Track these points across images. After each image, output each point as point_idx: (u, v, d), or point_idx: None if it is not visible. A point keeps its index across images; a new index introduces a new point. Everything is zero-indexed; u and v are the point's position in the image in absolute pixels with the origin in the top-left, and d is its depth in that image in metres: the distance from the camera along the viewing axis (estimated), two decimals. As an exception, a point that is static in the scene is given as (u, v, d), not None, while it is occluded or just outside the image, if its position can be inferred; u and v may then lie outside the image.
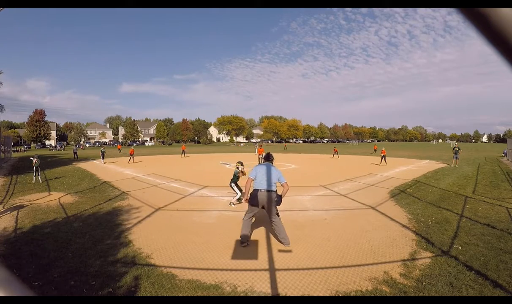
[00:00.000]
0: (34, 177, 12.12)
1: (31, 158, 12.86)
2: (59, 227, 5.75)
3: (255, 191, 4.84)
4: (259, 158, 19.30)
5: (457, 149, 18.58)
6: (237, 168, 7.83)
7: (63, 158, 27.00)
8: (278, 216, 4.94)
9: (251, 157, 25.36)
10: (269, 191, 4.79)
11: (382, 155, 19.40)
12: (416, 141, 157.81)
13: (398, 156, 29.50)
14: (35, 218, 6.38)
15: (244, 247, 4.78)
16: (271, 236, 5.34)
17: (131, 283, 3.53)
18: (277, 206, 4.90)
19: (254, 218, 4.98)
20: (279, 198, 4.88)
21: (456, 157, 18.37)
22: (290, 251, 4.64)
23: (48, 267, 3.92)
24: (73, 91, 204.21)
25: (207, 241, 5.07)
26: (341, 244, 4.91)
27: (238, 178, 7.84)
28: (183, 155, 28.87)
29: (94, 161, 22.91)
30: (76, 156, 26.28)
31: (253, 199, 4.85)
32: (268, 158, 5.28)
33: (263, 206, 4.88)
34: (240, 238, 4.88)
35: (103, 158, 21.83)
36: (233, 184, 7.85)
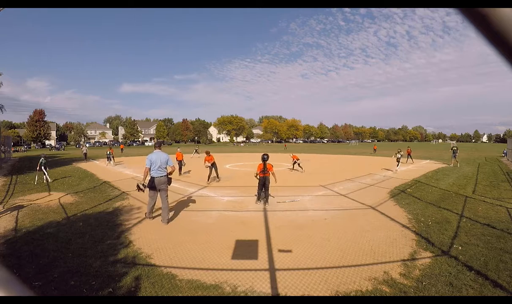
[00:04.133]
0: (43, 176, 12.06)
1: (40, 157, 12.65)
2: (59, 227, 5.75)
3: (153, 178, 6.12)
4: (209, 167, 12.13)
5: (455, 148, 18.96)
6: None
7: (64, 158, 26.99)
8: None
9: (251, 157, 25.37)
10: (162, 176, 6.15)
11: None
12: (416, 141, 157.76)
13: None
14: (35, 218, 6.38)
15: (151, 219, 6.24)
16: (271, 236, 5.34)
17: (131, 283, 3.53)
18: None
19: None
20: (170, 180, 6.33)
21: (454, 157, 18.68)
22: (290, 251, 4.64)
23: (48, 267, 3.92)
24: (73, 91, 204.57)
25: (207, 241, 5.07)
26: (341, 244, 4.91)
27: None
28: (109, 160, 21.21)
29: (95, 161, 22.88)
30: (86, 157, 23.11)
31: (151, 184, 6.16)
32: (160, 145, 6.60)
33: (159, 189, 6.16)
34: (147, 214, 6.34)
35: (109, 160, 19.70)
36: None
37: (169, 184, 6.34)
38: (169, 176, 6.31)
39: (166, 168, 6.23)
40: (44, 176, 12.11)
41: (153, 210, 6.48)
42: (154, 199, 6.26)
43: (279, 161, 23.09)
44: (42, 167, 12.08)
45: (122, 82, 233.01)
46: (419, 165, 20.14)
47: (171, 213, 7.07)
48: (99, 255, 4.33)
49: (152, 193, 6.21)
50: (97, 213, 6.88)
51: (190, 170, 15.96)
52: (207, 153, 11.78)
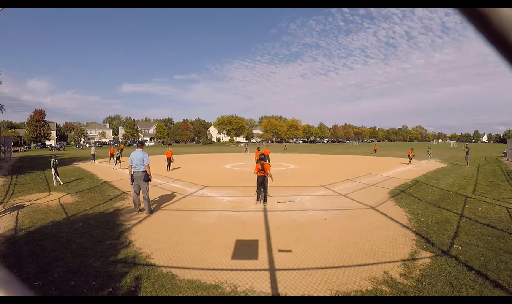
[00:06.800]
0: (53, 179, 11.67)
1: (51, 158, 12.35)
2: (59, 227, 5.75)
3: (133, 173, 7.06)
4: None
5: (467, 149, 19.72)
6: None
7: (63, 158, 26.97)
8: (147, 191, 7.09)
9: (251, 157, 25.37)
10: (139, 171, 7.00)
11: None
12: (416, 141, 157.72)
13: (398, 156, 29.49)
14: (35, 218, 6.38)
15: (138, 212, 6.92)
16: (271, 236, 5.34)
17: (131, 283, 3.53)
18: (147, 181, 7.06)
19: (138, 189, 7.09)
20: (146, 176, 7.01)
21: (466, 157, 19.33)
22: (290, 251, 4.64)
23: (48, 267, 3.92)
24: (73, 91, 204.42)
25: (207, 241, 5.07)
26: (341, 244, 4.91)
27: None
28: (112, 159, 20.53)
29: (95, 161, 22.86)
30: (94, 157, 22.41)
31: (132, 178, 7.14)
32: (142, 145, 7.47)
33: (138, 183, 6.99)
34: (134, 206, 7.07)
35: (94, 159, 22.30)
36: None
37: (146, 181, 7.03)
38: (146, 172, 7.06)
39: (143, 165, 7.04)
40: (55, 176, 11.87)
41: (139, 203, 7.13)
42: (137, 191, 7.06)
43: (279, 161, 23.09)
44: (53, 168, 11.91)
45: (122, 82, 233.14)
46: (419, 165, 20.15)
47: (172, 213, 7.08)
48: (99, 255, 4.33)
49: (135, 187, 7.09)
50: (97, 213, 6.87)
51: (179, 167, 17.88)
52: (258, 149, 12.80)
